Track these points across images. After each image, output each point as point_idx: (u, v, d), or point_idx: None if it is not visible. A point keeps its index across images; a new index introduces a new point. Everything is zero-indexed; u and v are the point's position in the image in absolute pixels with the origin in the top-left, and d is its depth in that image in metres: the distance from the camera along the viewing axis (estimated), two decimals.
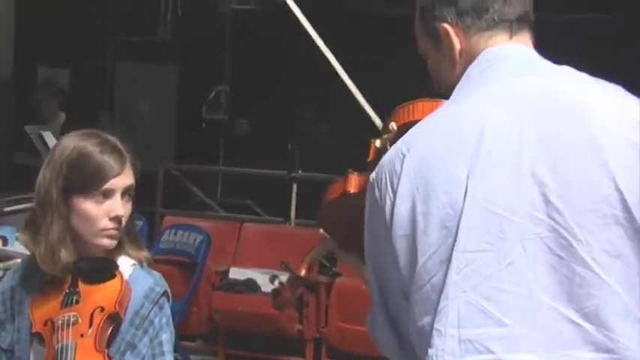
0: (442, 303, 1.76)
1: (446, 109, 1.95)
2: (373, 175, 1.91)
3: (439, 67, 2.06)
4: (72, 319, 2.35)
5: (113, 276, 2.44)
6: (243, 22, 9.70)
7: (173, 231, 7.28)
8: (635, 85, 1.97)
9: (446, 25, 2.00)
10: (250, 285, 6.90)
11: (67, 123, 7.56)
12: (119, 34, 9.70)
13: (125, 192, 2.45)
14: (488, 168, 1.78)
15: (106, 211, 2.42)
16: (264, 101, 9.41)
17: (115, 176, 2.42)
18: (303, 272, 2.48)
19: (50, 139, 6.35)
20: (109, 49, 9.84)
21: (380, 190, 1.88)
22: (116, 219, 2.42)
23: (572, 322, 1.72)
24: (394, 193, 1.84)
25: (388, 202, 1.85)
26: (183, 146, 9.81)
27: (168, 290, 2.53)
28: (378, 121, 2.49)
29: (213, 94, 9.70)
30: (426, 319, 1.79)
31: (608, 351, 1.71)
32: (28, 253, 2.65)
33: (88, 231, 2.43)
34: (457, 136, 1.83)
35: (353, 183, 2.20)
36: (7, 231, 5.19)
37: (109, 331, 2.38)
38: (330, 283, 6.81)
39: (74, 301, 2.39)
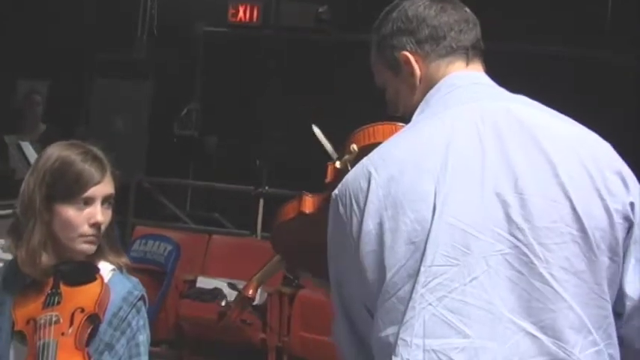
0: (409, 314, 1.77)
1: (410, 131, 1.96)
2: (336, 192, 1.91)
3: (398, 94, 2.08)
4: (54, 319, 2.35)
5: (94, 279, 2.44)
6: (215, 43, 9.70)
7: (144, 240, 7.25)
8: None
9: (406, 53, 2.02)
10: (217, 294, 6.87)
11: (46, 134, 7.51)
12: (97, 52, 9.66)
13: (105, 200, 2.45)
14: (454, 186, 1.80)
15: (86, 218, 2.42)
16: (233, 119, 9.41)
17: (95, 184, 2.42)
18: (250, 292, 2.45)
19: (28, 149, 6.31)
20: (86, 66, 9.79)
21: (345, 206, 1.88)
22: (95, 225, 2.42)
23: (529, 334, 1.75)
24: (361, 210, 1.84)
25: (354, 219, 1.85)
26: (154, 160, 9.78)
27: (145, 295, 2.54)
28: (329, 148, 2.46)
29: (184, 112, 9.67)
30: (390, 330, 1.80)
31: None
32: (5, 256, 2.64)
33: (69, 236, 2.43)
34: (424, 156, 1.84)
35: (308, 204, 2.20)
36: None
37: (88, 331, 2.37)
38: (293, 294, 6.81)
39: (56, 302, 2.39)
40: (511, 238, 1.77)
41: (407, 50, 2.02)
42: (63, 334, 2.33)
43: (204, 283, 6.98)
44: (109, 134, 9.04)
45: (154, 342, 2.50)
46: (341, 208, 1.89)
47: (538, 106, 1.95)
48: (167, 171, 9.17)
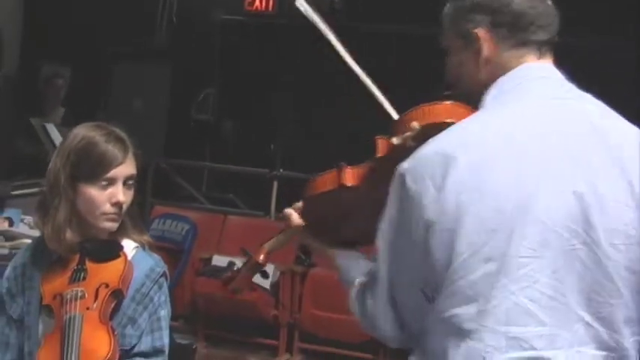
0: (491, 302, 1.78)
1: (489, 118, 1.92)
2: (405, 166, 1.86)
3: (461, 66, 2.03)
4: (79, 294, 2.37)
5: (117, 256, 2.47)
6: (232, 31, 9.69)
7: (162, 220, 7.28)
8: None
9: (481, 31, 1.97)
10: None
11: (65, 117, 7.53)
12: (118, 38, 9.66)
13: (127, 180, 2.47)
14: (536, 181, 1.80)
15: (108, 197, 2.44)
16: (248, 104, 9.40)
17: (117, 165, 2.44)
18: (261, 258, 2.37)
19: (53, 130, 6.34)
20: (108, 51, 9.80)
21: (416, 182, 1.83)
22: (117, 204, 2.44)
23: (587, 323, 1.81)
24: (437, 188, 1.80)
25: (429, 196, 1.81)
26: (172, 143, 9.79)
27: (167, 272, 2.56)
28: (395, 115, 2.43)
29: (201, 96, 9.67)
30: (456, 311, 1.81)
31: (610, 349, 1.82)
32: (32, 233, 2.68)
33: (92, 214, 2.45)
34: (507, 146, 1.83)
35: (349, 176, 2.11)
36: (13, 213, 5.23)
37: (112, 306, 2.40)
38: (305, 272, 6.83)
39: (81, 278, 2.41)
40: (585, 236, 1.79)
41: (483, 28, 1.97)
42: (88, 308, 2.35)
43: (219, 261, 7.00)
44: (128, 118, 9.06)
45: (171, 317, 2.52)
46: (411, 183, 1.84)
47: (603, 106, 1.95)
48: (185, 153, 9.18)
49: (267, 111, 9.30)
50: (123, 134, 2.51)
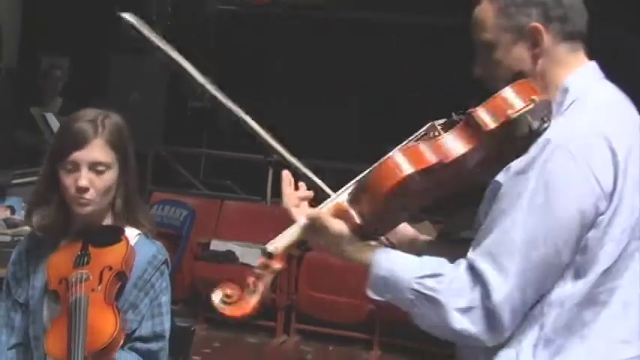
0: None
1: (612, 113, 1.91)
2: (559, 142, 1.79)
3: (508, 61, 1.95)
4: (84, 276, 2.37)
5: (119, 240, 2.46)
6: (227, 20, 9.67)
7: (161, 206, 7.28)
8: None
9: (538, 25, 1.92)
10: (229, 256, 6.91)
11: (63, 107, 7.51)
12: (114, 29, 9.62)
13: (94, 166, 2.41)
14: None
15: (72, 182, 2.41)
16: (244, 92, 9.38)
17: (78, 150, 2.40)
18: (281, 265, 2.09)
19: (52, 119, 6.32)
20: (104, 42, 9.76)
21: (575, 159, 1.78)
22: (80, 190, 2.40)
23: None
24: (594, 169, 1.78)
25: (608, 181, 1.79)
26: (171, 131, 9.78)
27: (169, 259, 2.55)
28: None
29: None
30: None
31: None
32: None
33: (67, 198, 2.44)
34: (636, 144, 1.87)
35: (447, 152, 1.86)
36: (14, 201, 5.24)
37: (116, 287, 2.40)
38: (301, 255, 6.84)
39: (85, 262, 2.41)
40: None
41: (538, 22, 1.92)
42: (93, 290, 2.35)
43: (217, 245, 7.01)
44: (127, 107, 9.03)
45: (171, 301, 2.52)
46: (570, 161, 1.77)
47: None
48: (182, 141, 9.17)
49: (261, 98, 9.29)
50: (100, 119, 2.45)
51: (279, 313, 6.88)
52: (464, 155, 1.85)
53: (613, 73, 2.01)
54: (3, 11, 8.23)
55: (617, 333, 1.86)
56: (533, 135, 1.85)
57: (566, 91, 1.92)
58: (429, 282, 1.81)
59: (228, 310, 1.84)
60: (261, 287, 1.90)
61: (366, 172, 1.94)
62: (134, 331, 2.43)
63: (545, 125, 1.87)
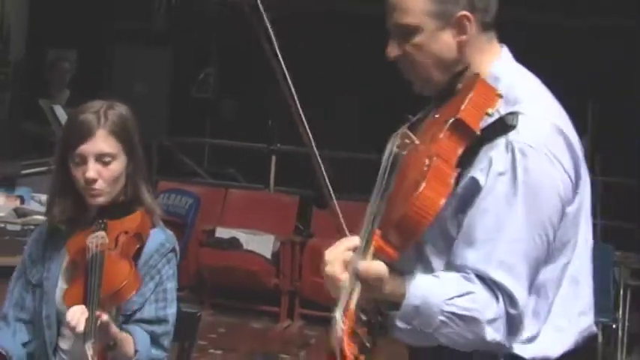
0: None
1: (551, 101, 1.96)
2: (531, 144, 1.80)
3: (430, 44, 1.91)
4: (100, 239, 2.37)
5: (134, 211, 2.46)
6: (228, 12, 9.65)
7: (167, 194, 7.29)
8: None
9: (467, 14, 1.90)
10: (234, 243, 6.92)
11: (71, 99, 7.50)
12: (119, 22, 9.62)
13: (100, 157, 2.41)
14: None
15: (81, 174, 2.42)
16: (246, 82, 9.38)
17: (83, 142, 2.40)
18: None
19: (60, 111, 6.32)
20: (110, 35, 9.76)
21: (548, 155, 1.83)
22: (88, 181, 2.40)
23: None
24: (577, 164, 1.88)
25: (573, 172, 1.86)
26: (175, 121, 9.78)
27: (177, 248, 2.55)
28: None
29: (201, 76, 9.65)
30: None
31: None
32: (42, 209, 2.69)
33: (80, 190, 2.45)
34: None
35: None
36: (23, 191, 5.25)
37: (134, 248, 2.41)
38: (304, 242, 6.86)
39: (101, 229, 2.41)
40: None
41: (467, 10, 1.90)
42: (110, 249, 2.37)
43: (222, 232, 7.02)
44: (132, 98, 9.04)
45: (177, 288, 2.52)
46: (546, 163, 1.81)
47: None
48: (187, 131, 9.17)
49: (263, 88, 9.27)
50: (103, 111, 2.44)
51: (282, 299, 6.91)
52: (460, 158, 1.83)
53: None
54: (11, 7, 8.23)
55: (575, 307, 1.91)
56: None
57: (497, 79, 1.91)
58: (461, 302, 1.78)
59: None
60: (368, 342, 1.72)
61: (381, 202, 1.84)
62: (135, 312, 2.43)
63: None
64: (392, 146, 1.91)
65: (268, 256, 6.86)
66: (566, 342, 1.90)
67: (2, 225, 4.73)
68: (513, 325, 1.80)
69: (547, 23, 8.13)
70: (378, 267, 1.74)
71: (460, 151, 1.80)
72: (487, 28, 1.95)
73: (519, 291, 1.79)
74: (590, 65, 7.97)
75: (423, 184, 1.71)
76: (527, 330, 1.85)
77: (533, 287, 1.84)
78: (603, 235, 6.73)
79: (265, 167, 7.81)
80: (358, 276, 1.72)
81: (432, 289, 1.79)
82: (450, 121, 1.80)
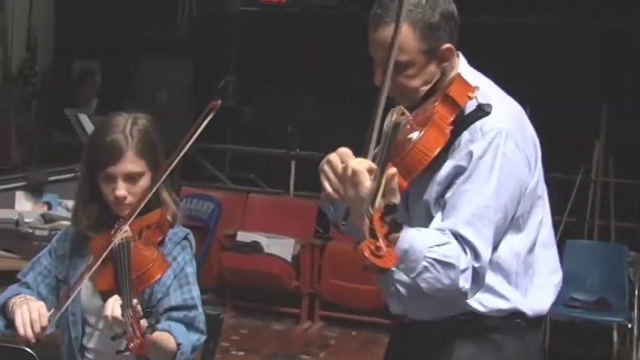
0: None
1: (502, 95, 2.22)
2: (505, 128, 2.08)
3: (420, 74, 2.13)
4: (124, 233, 2.39)
5: (154, 209, 2.47)
6: (249, 21, 9.68)
7: (189, 199, 7.31)
8: None
9: (450, 45, 2.14)
10: (255, 247, 6.92)
11: (98, 108, 7.55)
12: (142, 32, 9.66)
13: (128, 177, 2.43)
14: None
15: (111, 191, 2.43)
16: (267, 89, 9.39)
17: (112, 165, 2.41)
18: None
19: (85, 120, 6.35)
20: (133, 45, 9.80)
21: (516, 141, 2.11)
22: (118, 200, 2.43)
23: None
24: (536, 148, 2.19)
25: (532, 157, 2.15)
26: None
27: (191, 239, 2.55)
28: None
29: (222, 83, 9.66)
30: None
31: None
32: (69, 215, 2.70)
33: (107, 201, 2.47)
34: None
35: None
36: (51, 197, 5.30)
37: (158, 237, 2.44)
38: (323, 245, 6.86)
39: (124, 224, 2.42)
40: None
41: (448, 42, 2.13)
42: (134, 239, 2.39)
43: (243, 237, 7.03)
44: (155, 106, 9.07)
45: (200, 291, 2.50)
46: (515, 148, 2.09)
47: None
48: (208, 137, 9.16)
49: (283, 95, 9.29)
50: (129, 128, 2.45)
51: (303, 301, 6.91)
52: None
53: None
54: (38, 18, 8.29)
55: (548, 267, 2.24)
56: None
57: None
58: (441, 250, 1.99)
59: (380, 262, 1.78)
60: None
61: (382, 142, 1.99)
62: (159, 300, 2.42)
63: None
64: (390, 118, 2.02)
65: (289, 259, 6.86)
66: (549, 296, 2.23)
67: (30, 230, 4.77)
68: (478, 277, 2.03)
69: (561, 26, 8.08)
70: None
71: (451, 118, 2.04)
72: (457, 48, 2.18)
73: (483, 247, 2.03)
74: (603, 68, 7.92)
75: (427, 128, 1.99)
76: (522, 285, 2.18)
77: (512, 252, 2.15)
78: (617, 236, 6.71)
79: (285, 172, 7.82)
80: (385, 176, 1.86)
81: (417, 237, 1.99)
82: (441, 95, 2.06)
